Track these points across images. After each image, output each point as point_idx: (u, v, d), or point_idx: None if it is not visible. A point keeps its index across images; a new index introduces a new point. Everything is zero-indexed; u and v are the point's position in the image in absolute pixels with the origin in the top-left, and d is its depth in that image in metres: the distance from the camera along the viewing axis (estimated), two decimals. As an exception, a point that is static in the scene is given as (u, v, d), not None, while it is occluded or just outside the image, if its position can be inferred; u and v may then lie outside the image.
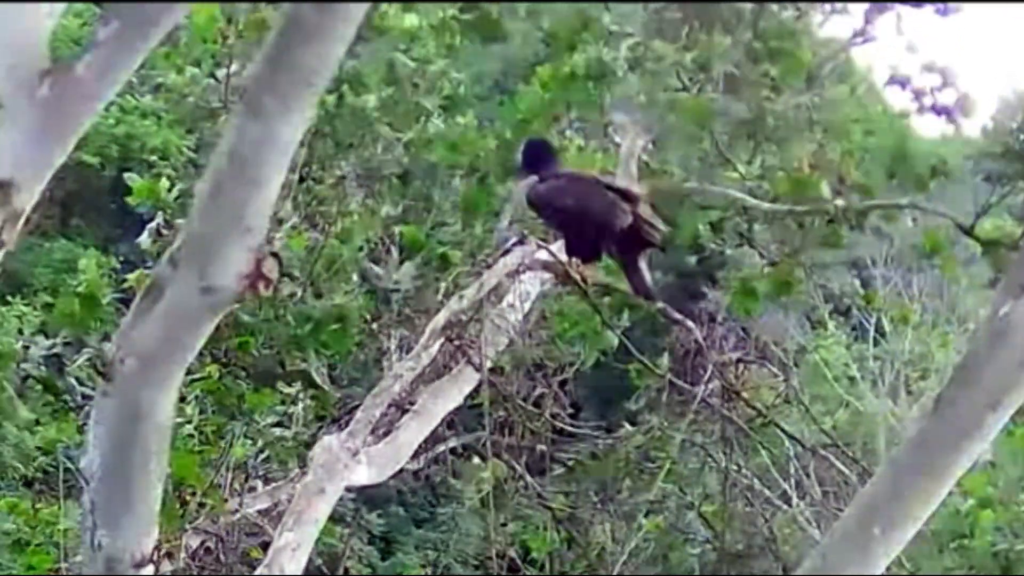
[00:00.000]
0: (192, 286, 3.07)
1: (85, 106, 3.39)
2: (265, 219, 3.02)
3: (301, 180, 7.61)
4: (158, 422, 3.22)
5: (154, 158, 8.67)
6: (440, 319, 6.89)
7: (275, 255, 3.04)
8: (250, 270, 3.02)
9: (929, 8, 7.64)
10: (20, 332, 7.13)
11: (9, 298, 14.12)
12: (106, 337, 7.88)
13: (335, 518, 7.58)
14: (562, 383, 8.18)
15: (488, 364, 6.92)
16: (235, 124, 2.98)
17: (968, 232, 6.97)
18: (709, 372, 7.14)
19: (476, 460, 7.91)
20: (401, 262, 7.96)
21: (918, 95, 7.69)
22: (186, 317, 3.11)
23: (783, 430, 7.50)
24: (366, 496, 11.97)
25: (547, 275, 7.32)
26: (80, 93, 3.35)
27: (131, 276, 7.21)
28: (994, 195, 6.74)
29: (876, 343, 18.37)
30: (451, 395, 6.88)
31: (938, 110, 7.59)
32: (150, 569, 3.39)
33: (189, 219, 3.11)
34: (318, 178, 7.90)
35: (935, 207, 7.55)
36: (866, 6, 7.86)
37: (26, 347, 7.79)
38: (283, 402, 8.05)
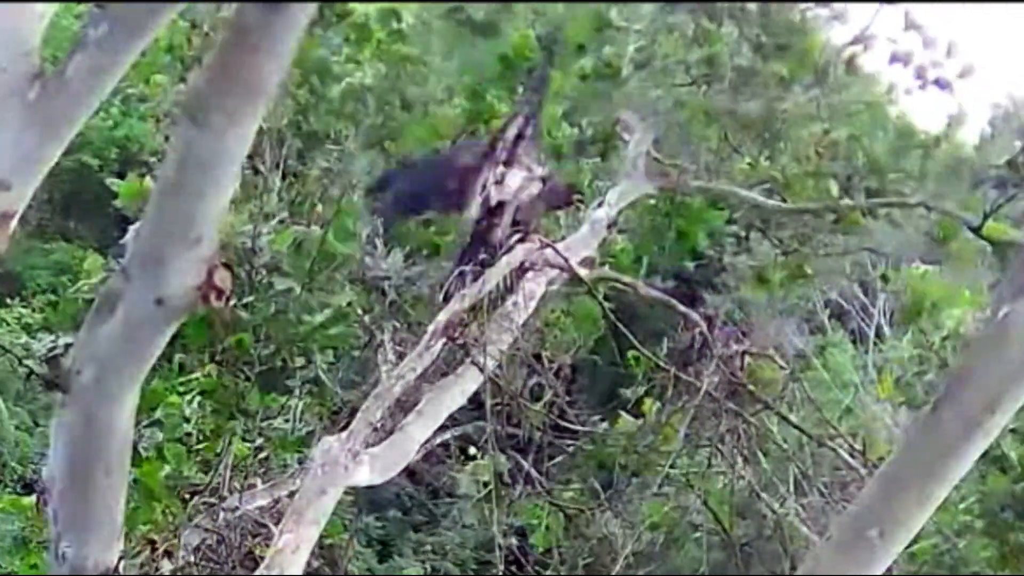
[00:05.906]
0: (145, 297, 3.05)
1: (76, 107, 3.36)
2: (215, 229, 2.99)
3: (283, 176, 7.60)
4: (117, 432, 3.20)
5: (153, 159, 8.65)
6: (442, 319, 6.86)
7: (227, 266, 3.01)
8: (201, 281, 2.99)
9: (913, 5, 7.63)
10: (25, 329, 7.14)
11: (8, 300, 14.18)
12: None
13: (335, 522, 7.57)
14: (557, 372, 8.13)
15: (492, 364, 6.88)
16: (181, 135, 2.95)
17: (976, 231, 6.96)
18: (713, 365, 7.06)
19: (473, 451, 7.84)
20: (389, 251, 7.91)
21: (920, 72, 7.70)
22: (141, 328, 3.10)
23: (787, 419, 7.42)
24: (365, 499, 11.95)
25: (552, 273, 7.29)
26: (70, 95, 3.33)
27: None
28: (1002, 199, 6.71)
29: (876, 346, 18.25)
30: (454, 395, 6.85)
31: (941, 83, 7.60)
32: (114, 579, 3.38)
33: (140, 230, 3.08)
34: (298, 172, 7.88)
35: (942, 206, 7.52)
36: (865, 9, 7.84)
37: (27, 348, 7.79)
38: (284, 395, 8.02)
